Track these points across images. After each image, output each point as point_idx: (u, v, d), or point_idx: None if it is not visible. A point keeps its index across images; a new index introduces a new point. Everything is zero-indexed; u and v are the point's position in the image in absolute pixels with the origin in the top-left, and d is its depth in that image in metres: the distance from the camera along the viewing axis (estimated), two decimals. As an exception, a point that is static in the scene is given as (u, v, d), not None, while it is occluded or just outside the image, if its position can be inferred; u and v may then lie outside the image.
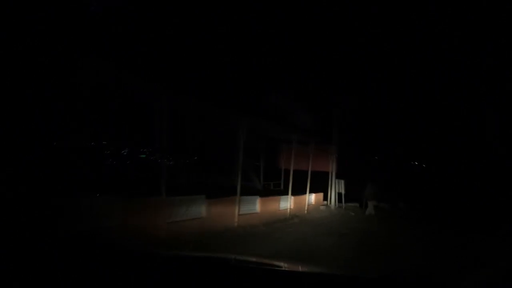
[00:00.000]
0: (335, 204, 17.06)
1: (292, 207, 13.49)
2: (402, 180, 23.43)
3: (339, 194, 17.04)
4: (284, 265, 2.21)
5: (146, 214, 7.52)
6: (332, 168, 17.27)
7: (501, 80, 20.82)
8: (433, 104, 25.46)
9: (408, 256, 7.64)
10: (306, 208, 14.74)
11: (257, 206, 11.25)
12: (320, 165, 16.90)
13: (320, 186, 17.38)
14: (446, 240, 10.43)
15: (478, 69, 21.01)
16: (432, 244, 9.52)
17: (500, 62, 19.53)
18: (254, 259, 2.49)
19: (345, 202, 17.08)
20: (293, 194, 14.04)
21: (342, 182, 16.84)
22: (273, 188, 17.93)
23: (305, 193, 14.94)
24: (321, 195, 17.13)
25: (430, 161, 31.95)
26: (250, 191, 13.70)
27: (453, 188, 23.21)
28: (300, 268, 2.30)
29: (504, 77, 20.33)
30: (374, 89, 23.52)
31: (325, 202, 17.36)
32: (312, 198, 15.82)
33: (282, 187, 16.05)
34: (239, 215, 10.01)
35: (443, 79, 23.74)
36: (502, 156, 23.12)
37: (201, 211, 8.80)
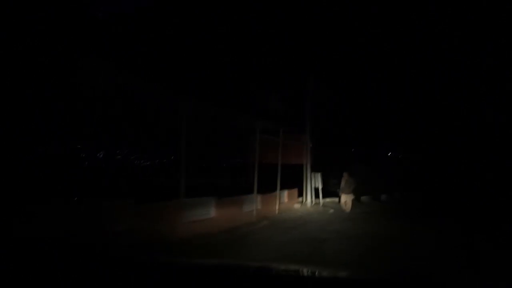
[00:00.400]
0: (312, 201, 14.89)
1: (259, 207, 11.20)
2: (383, 171, 21.61)
3: (316, 189, 14.86)
4: (281, 268, 2.27)
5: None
6: (306, 160, 15.07)
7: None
8: (413, 96, 24.48)
9: (408, 266, 5.87)
10: (277, 208, 12.48)
11: (211, 210, 8.88)
12: (293, 157, 14.72)
13: (294, 181, 15.28)
14: (440, 240, 8.66)
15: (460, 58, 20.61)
16: (427, 245, 7.96)
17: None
18: (251, 264, 2.53)
19: (323, 197, 14.91)
20: (261, 191, 11.79)
21: (319, 175, 14.66)
22: (245, 185, 15.72)
23: (276, 190, 12.66)
24: (295, 191, 14.89)
25: (409, 152, 30.90)
26: (211, 191, 11.48)
27: (438, 179, 22.60)
28: (297, 272, 2.19)
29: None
30: (353, 77, 21.80)
31: (301, 199, 15.15)
32: (284, 195, 13.56)
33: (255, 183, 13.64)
34: (183, 223, 7.64)
35: (422, 69, 22.78)
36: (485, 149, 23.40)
37: (125, 220, 6.40)
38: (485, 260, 6.37)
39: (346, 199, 12.92)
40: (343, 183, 13.03)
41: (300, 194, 15.22)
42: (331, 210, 13.43)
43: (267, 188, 12.92)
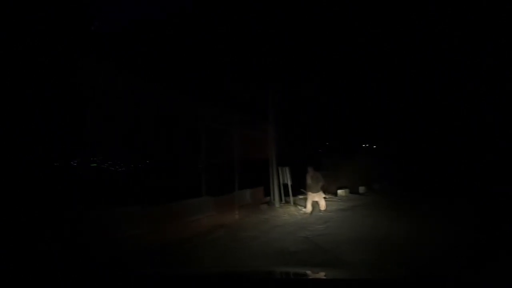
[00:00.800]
0: (281, 200, 12.68)
1: (212, 213, 8.90)
2: (359, 163, 19.95)
3: (285, 186, 12.65)
4: (289, 273, 2.30)
5: None
6: (272, 153, 12.83)
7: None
8: (387, 88, 23.48)
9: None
10: (237, 212, 10.20)
11: (136, 222, 6.50)
12: (257, 151, 12.51)
13: (261, 178, 13.07)
14: (433, 238, 6.92)
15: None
16: (423, 246, 6.34)
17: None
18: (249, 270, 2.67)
19: (294, 195, 12.71)
20: (216, 193, 9.55)
21: (287, 170, 12.44)
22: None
23: (234, 190, 10.41)
24: (260, 190, 12.61)
25: (384, 143, 30.12)
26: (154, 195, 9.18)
27: (415, 169, 21.82)
28: (306, 275, 2.17)
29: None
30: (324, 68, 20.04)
31: (269, 198, 12.91)
32: (246, 195, 11.31)
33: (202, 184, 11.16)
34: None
35: (396, 63, 21.57)
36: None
37: None
38: (485, 259, 5.35)
39: (316, 199, 10.64)
40: (309, 180, 10.64)
41: (268, 193, 12.98)
42: (304, 209, 11.24)
43: (228, 188, 10.78)
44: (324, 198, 10.75)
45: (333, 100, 23.04)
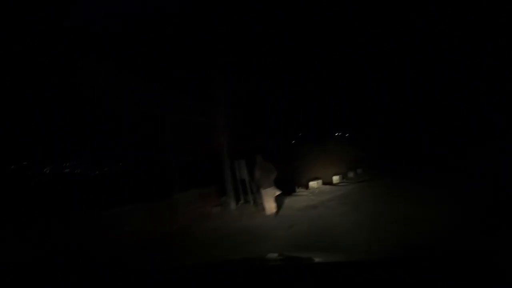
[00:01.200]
0: (238, 200, 10.56)
1: (145, 224, 6.72)
2: (333, 152, 18.50)
3: (242, 182, 10.55)
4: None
5: None
6: (224, 145, 10.62)
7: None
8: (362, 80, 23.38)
9: None
10: (179, 220, 8.03)
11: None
12: (204, 143, 10.39)
13: (216, 175, 10.98)
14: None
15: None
16: None
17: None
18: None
19: (252, 192, 10.58)
20: (150, 197, 7.39)
21: (243, 163, 10.33)
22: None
23: (174, 192, 8.22)
24: (212, 190, 10.42)
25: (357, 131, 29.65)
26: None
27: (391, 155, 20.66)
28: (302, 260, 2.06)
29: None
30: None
31: (224, 198, 10.80)
32: (193, 198, 9.13)
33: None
34: None
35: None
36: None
37: None
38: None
39: (268, 195, 8.46)
40: (257, 173, 8.54)
41: (224, 191, 10.83)
42: (265, 210, 9.15)
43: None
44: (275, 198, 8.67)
45: (304, 89, 21.79)
